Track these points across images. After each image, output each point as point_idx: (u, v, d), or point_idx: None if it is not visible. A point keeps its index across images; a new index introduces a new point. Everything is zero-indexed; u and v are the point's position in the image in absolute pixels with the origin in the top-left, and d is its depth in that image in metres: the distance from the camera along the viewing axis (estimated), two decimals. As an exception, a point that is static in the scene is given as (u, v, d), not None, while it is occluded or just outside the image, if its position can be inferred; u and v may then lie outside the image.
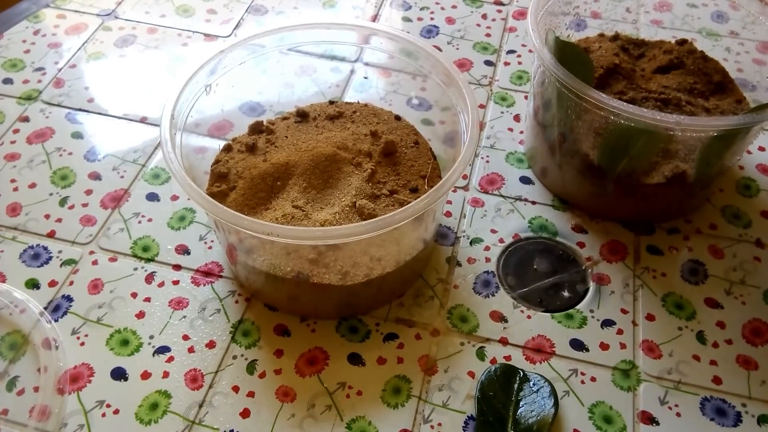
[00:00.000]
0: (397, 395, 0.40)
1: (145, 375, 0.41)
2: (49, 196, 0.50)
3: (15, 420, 0.39)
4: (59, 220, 0.48)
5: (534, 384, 0.39)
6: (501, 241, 0.48)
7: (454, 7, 0.67)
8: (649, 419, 0.39)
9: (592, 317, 0.44)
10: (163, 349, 0.42)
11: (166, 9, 0.66)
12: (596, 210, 0.49)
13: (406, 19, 0.65)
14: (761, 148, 0.54)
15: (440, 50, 0.48)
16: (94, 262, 0.46)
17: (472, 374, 0.41)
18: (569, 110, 0.46)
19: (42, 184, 0.51)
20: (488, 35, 0.64)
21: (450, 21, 0.65)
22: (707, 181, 0.48)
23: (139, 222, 0.48)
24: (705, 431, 0.39)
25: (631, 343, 0.42)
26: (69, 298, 0.44)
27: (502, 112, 0.57)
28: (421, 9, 0.66)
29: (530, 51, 0.62)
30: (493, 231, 0.48)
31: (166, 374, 0.41)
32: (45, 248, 0.47)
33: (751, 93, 0.50)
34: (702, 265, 0.47)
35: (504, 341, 0.42)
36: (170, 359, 0.41)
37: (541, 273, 0.46)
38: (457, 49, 0.62)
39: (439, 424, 0.39)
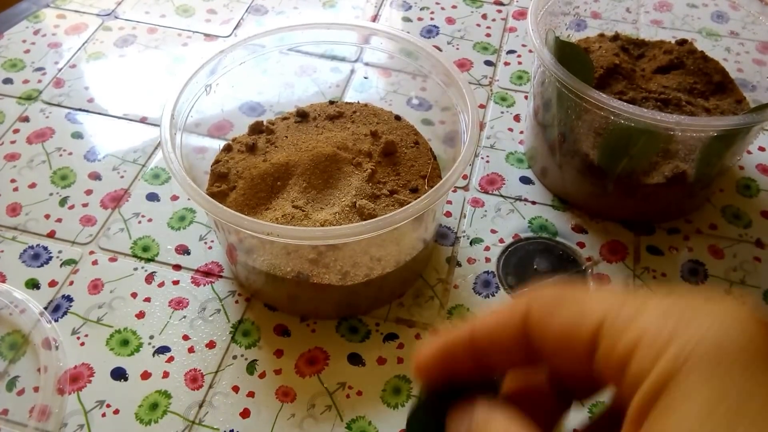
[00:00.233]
0: (397, 395, 0.40)
1: (145, 375, 0.41)
2: (49, 196, 0.50)
3: (15, 420, 0.39)
4: (59, 220, 0.48)
5: (534, 384, 0.39)
6: (501, 241, 0.48)
7: (454, 7, 0.67)
8: (649, 419, 0.39)
9: (592, 317, 0.44)
10: (163, 349, 0.42)
11: (166, 9, 0.66)
12: (596, 210, 0.49)
13: (406, 19, 0.65)
14: (761, 148, 0.54)
15: (440, 50, 0.48)
16: (94, 262, 0.46)
17: (472, 374, 0.41)
18: (569, 110, 0.46)
19: (42, 184, 0.51)
20: (488, 35, 0.64)
21: (450, 21, 0.65)
22: (707, 181, 0.48)
23: (139, 222, 0.48)
24: (705, 431, 0.39)
25: (631, 343, 0.42)
26: (69, 298, 0.44)
27: (502, 112, 0.57)
28: (421, 9, 0.66)
29: (530, 51, 0.62)
30: (493, 231, 0.48)
31: (166, 374, 0.41)
32: (45, 248, 0.47)
33: (751, 93, 0.50)
34: (702, 265, 0.47)
35: (504, 341, 0.42)
36: (170, 359, 0.41)
37: (541, 273, 0.46)
38: (457, 49, 0.62)
39: (439, 424, 0.39)
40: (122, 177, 0.51)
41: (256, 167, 0.43)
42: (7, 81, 0.58)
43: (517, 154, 0.54)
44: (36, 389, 0.40)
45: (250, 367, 0.41)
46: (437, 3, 0.67)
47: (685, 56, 0.51)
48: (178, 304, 0.44)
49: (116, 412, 0.39)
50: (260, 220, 0.38)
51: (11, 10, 0.65)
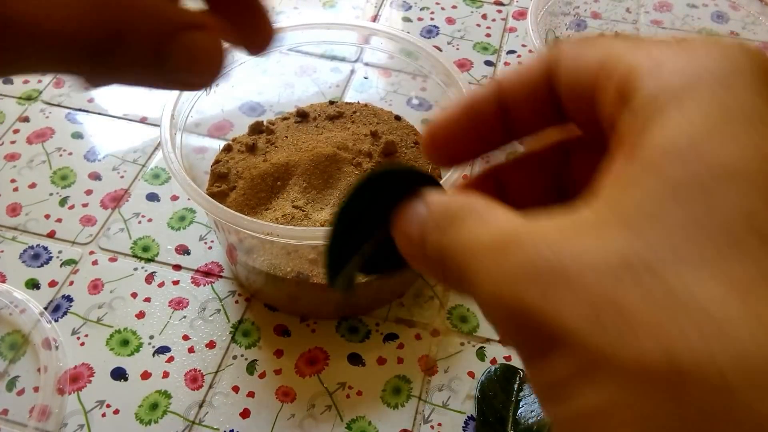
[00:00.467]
0: (397, 395, 0.40)
1: (145, 375, 0.41)
2: (49, 196, 0.50)
3: (15, 420, 0.39)
4: (59, 220, 0.48)
5: (534, 384, 0.39)
6: (501, 241, 0.48)
7: (454, 7, 0.67)
8: (649, 419, 0.39)
9: (592, 317, 0.44)
10: (163, 349, 0.42)
11: (166, 9, 0.66)
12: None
13: (406, 19, 0.65)
14: (761, 148, 0.54)
15: (440, 50, 0.48)
16: (94, 262, 0.46)
17: (472, 374, 0.41)
18: (569, 110, 0.46)
19: (42, 184, 0.51)
20: (488, 35, 0.64)
21: (450, 21, 0.65)
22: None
23: (139, 222, 0.48)
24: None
25: (631, 343, 0.42)
26: (69, 298, 0.44)
27: (502, 112, 0.57)
28: (421, 9, 0.66)
29: (530, 51, 0.62)
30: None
31: (166, 374, 0.41)
32: (45, 248, 0.47)
33: (751, 93, 0.50)
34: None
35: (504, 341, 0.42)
36: (170, 359, 0.41)
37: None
38: (457, 49, 0.62)
39: (439, 425, 0.39)
40: (122, 177, 0.51)
41: (256, 167, 0.43)
42: (7, 81, 0.58)
43: (517, 154, 0.54)
44: (36, 389, 0.40)
45: (250, 367, 0.41)
46: (437, 3, 0.67)
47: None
48: (178, 304, 0.44)
49: (116, 412, 0.39)
50: (260, 220, 0.38)
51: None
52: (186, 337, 0.42)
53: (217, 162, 0.45)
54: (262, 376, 0.41)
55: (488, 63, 0.61)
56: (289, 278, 0.40)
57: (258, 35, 0.22)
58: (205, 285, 0.45)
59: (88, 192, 0.50)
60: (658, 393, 0.11)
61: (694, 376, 0.11)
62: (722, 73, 0.13)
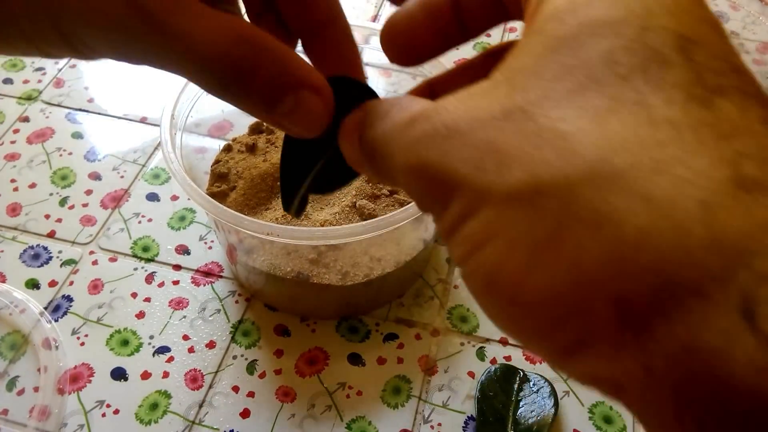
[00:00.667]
0: (397, 395, 0.40)
1: (145, 375, 0.41)
2: (49, 196, 0.50)
3: (15, 420, 0.39)
4: (59, 220, 0.48)
5: (534, 384, 0.39)
6: (501, 241, 0.48)
7: (454, 7, 0.67)
8: (649, 419, 0.39)
9: (592, 317, 0.44)
10: (163, 349, 0.42)
11: (166, 9, 0.66)
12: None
13: (406, 19, 0.65)
14: (761, 148, 0.54)
15: (440, 50, 0.47)
16: (94, 262, 0.46)
17: (472, 374, 0.41)
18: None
19: (42, 184, 0.51)
20: (488, 35, 0.64)
21: (450, 21, 0.65)
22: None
23: (139, 222, 0.48)
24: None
25: (631, 343, 0.42)
26: (69, 298, 0.44)
27: (502, 112, 0.57)
28: (421, 9, 0.66)
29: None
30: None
31: (166, 374, 0.41)
32: (45, 248, 0.47)
33: (751, 93, 0.50)
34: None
35: (504, 341, 0.42)
36: (170, 359, 0.41)
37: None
38: (457, 49, 0.62)
39: (439, 424, 0.39)
40: (122, 177, 0.51)
41: (256, 167, 0.43)
42: (7, 81, 0.58)
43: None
44: (36, 389, 0.40)
45: (250, 367, 0.41)
46: (437, 3, 0.67)
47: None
48: (178, 304, 0.44)
49: (116, 412, 0.39)
50: (260, 220, 0.38)
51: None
52: (186, 337, 0.42)
53: (217, 162, 0.45)
54: (262, 376, 0.41)
55: (488, 63, 0.61)
56: (289, 278, 0.40)
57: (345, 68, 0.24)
58: (205, 285, 0.45)
59: (88, 192, 0.50)
60: (524, 210, 0.13)
61: (549, 191, 0.12)
62: None
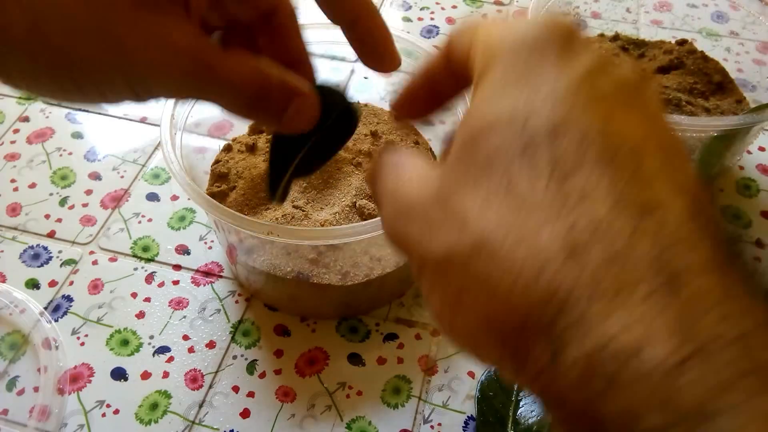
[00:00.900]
0: (397, 395, 0.40)
1: (145, 375, 0.41)
2: (49, 196, 0.50)
3: (15, 420, 0.39)
4: (59, 220, 0.48)
5: (534, 384, 0.39)
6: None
7: (454, 7, 0.67)
8: (649, 419, 0.39)
9: (592, 317, 0.44)
10: (163, 349, 0.42)
11: (166, 9, 0.66)
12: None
13: (406, 19, 0.65)
14: (761, 148, 0.54)
15: (440, 50, 0.48)
16: (94, 262, 0.46)
17: (472, 374, 0.41)
18: (569, 110, 0.46)
19: (42, 184, 0.51)
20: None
21: (450, 21, 0.65)
22: (707, 181, 0.48)
23: (139, 222, 0.48)
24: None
25: (631, 343, 0.42)
26: (69, 298, 0.44)
27: (502, 112, 0.57)
28: (421, 9, 0.66)
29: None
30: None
31: (166, 374, 0.41)
32: (45, 248, 0.47)
33: (751, 93, 0.50)
34: (702, 265, 0.47)
35: (504, 341, 0.42)
36: (170, 359, 0.41)
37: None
38: (457, 49, 0.62)
39: (439, 424, 0.39)
40: (122, 177, 0.51)
41: (256, 167, 0.43)
42: (7, 81, 0.58)
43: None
44: (36, 389, 0.40)
45: (250, 367, 0.41)
46: (437, 3, 0.67)
47: (685, 56, 0.51)
48: (178, 304, 0.44)
49: (116, 412, 0.39)
50: (260, 220, 0.38)
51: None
52: (186, 337, 0.42)
53: (217, 162, 0.45)
54: (262, 376, 0.41)
55: (488, 63, 0.61)
56: (289, 278, 0.40)
57: (386, 63, 0.31)
58: (205, 285, 0.45)
59: (88, 192, 0.50)
60: (444, 274, 0.17)
61: (455, 259, 0.17)
62: (520, 44, 0.19)
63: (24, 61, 0.23)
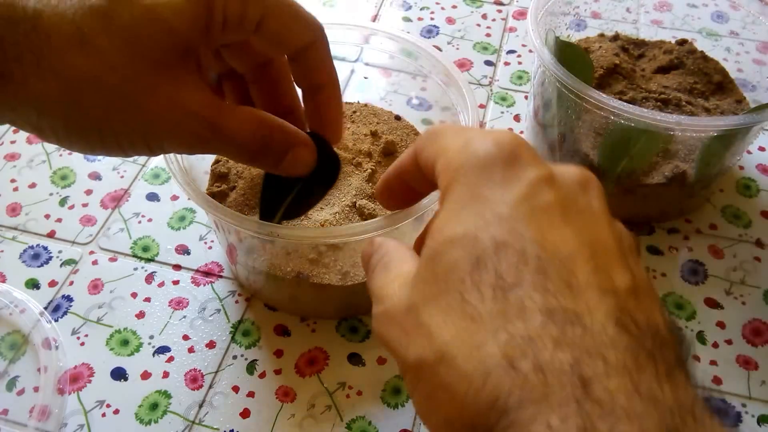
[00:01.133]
0: (397, 395, 0.40)
1: (145, 375, 0.41)
2: (49, 196, 0.50)
3: (15, 420, 0.39)
4: (59, 220, 0.48)
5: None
6: (501, 241, 0.47)
7: (454, 7, 0.67)
8: (649, 419, 0.39)
9: (592, 317, 0.44)
10: (163, 349, 0.42)
11: (166, 9, 0.66)
12: (596, 210, 0.49)
13: (406, 19, 0.65)
14: (761, 148, 0.54)
15: (440, 50, 0.48)
16: (94, 262, 0.46)
17: (472, 374, 0.41)
18: (569, 110, 0.46)
19: (42, 184, 0.51)
20: (488, 35, 0.64)
21: (450, 21, 0.65)
22: (707, 181, 0.48)
23: (139, 222, 0.48)
24: (705, 431, 0.39)
25: (631, 343, 0.42)
26: (69, 298, 0.44)
27: (502, 112, 0.57)
28: (421, 9, 0.66)
29: (530, 51, 0.62)
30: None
31: (166, 374, 0.41)
32: (45, 248, 0.47)
33: (751, 93, 0.50)
34: (702, 265, 0.47)
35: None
36: (170, 359, 0.41)
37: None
38: (457, 49, 0.62)
39: (439, 424, 0.39)
40: (122, 177, 0.51)
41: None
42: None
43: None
44: (36, 389, 0.40)
45: (250, 367, 0.41)
46: (437, 3, 0.67)
47: (685, 56, 0.51)
48: (178, 304, 0.44)
49: (116, 412, 0.39)
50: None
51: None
52: (186, 337, 0.42)
53: (217, 162, 0.45)
54: (262, 376, 0.41)
55: (488, 63, 0.61)
56: (289, 278, 0.40)
57: (331, 137, 0.35)
58: (205, 285, 0.45)
59: (88, 192, 0.50)
60: (417, 379, 0.20)
61: (424, 366, 0.19)
62: (475, 164, 0.21)
63: (59, 123, 0.26)
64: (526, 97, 0.58)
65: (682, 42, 0.54)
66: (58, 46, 0.25)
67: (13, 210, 0.49)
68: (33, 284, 0.45)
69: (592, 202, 0.21)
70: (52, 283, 0.45)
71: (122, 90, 0.26)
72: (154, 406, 0.39)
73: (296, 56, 0.32)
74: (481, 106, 0.57)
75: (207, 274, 0.46)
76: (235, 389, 0.40)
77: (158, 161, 0.52)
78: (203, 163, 0.45)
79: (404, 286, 0.22)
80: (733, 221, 0.49)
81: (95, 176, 0.51)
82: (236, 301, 0.44)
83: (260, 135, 0.29)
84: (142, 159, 0.53)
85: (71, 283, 0.45)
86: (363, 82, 0.55)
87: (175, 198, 0.50)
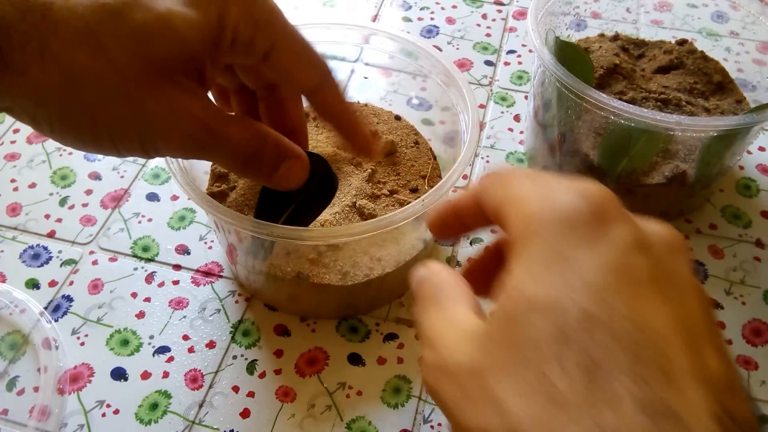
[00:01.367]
0: (397, 395, 0.40)
1: (145, 375, 0.41)
2: (49, 196, 0.50)
3: (15, 420, 0.39)
4: (59, 220, 0.48)
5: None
6: (501, 241, 0.48)
7: (454, 7, 0.67)
8: (649, 419, 0.39)
9: (592, 317, 0.44)
10: (163, 349, 0.42)
11: (166, 9, 0.66)
12: (596, 210, 0.49)
13: (406, 19, 0.65)
14: (761, 148, 0.54)
15: (440, 50, 0.48)
16: (94, 262, 0.46)
17: (472, 374, 0.41)
18: (569, 110, 0.46)
19: (42, 184, 0.51)
20: (488, 35, 0.64)
21: (450, 21, 0.65)
22: (707, 181, 0.48)
23: (139, 222, 0.48)
24: (705, 431, 0.39)
25: (631, 343, 0.42)
26: (69, 298, 0.44)
27: (502, 112, 0.57)
28: (421, 9, 0.66)
29: (530, 51, 0.62)
30: (494, 231, 0.48)
31: (166, 374, 0.41)
32: (45, 248, 0.47)
33: (751, 93, 0.50)
34: (702, 265, 0.47)
35: (504, 341, 0.42)
36: (170, 359, 0.41)
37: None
38: (457, 49, 0.62)
39: (439, 424, 0.39)
40: (122, 177, 0.51)
41: (256, 167, 0.43)
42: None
43: (517, 154, 0.54)
44: (36, 389, 0.40)
45: (250, 367, 0.41)
46: (437, 3, 0.67)
47: (685, 56, 0.51)
48: (178, 304, 0.44)
49: (116, 412, 0.39)
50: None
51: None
52: (186, 337, 0.42)
53: (217, 162, 0.45)
54: (262, 376, 0.41)
55: (488, 63, 0.61)
56: (289, 278, 0.40)
57: (366, 152, 0.37)
58: (205, 285, 0.45)
59: (88, 192, 0.50)
60: None
61: None
62: (557, 224, 0.19)
63: (55, 115, 0.26)
64: (526, 97, 0.58)
65: (682, 42, 0.54)
66: (64, 38, 0.25)
67: (13, 210, 0.49)
68: (33, 284, 0.45)
69: (683, 269, 0.20)
70: (52, 283, 0.45)
71: (122, 88, 0.26)
72: (154, 406, 0.39)
73: (305, 94, 0.33)
74: (481, 106, 0.57)
75: (207, 274, 0.46)
76: (235, 389, 0.40)
77: (158, 161, 0.52)
78: (203, 163, 0.45)
79: (469, 341, 0.20)
80: (733, 221, 0.49)
81: (95, 176, 0.51)
82: (236, 301, 0.44)
83: (254, 143, 0.29)
84: (141, 159, 0.53)
85: (71, 283, 0.45)
86: (363, 82, 0.55)
87: (175, 198, 0.50)
